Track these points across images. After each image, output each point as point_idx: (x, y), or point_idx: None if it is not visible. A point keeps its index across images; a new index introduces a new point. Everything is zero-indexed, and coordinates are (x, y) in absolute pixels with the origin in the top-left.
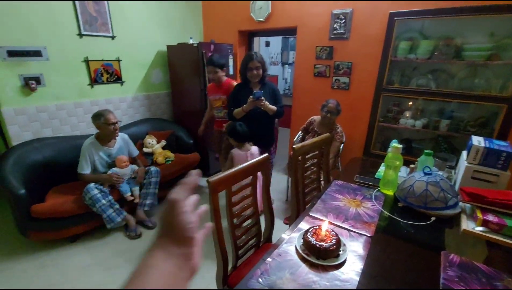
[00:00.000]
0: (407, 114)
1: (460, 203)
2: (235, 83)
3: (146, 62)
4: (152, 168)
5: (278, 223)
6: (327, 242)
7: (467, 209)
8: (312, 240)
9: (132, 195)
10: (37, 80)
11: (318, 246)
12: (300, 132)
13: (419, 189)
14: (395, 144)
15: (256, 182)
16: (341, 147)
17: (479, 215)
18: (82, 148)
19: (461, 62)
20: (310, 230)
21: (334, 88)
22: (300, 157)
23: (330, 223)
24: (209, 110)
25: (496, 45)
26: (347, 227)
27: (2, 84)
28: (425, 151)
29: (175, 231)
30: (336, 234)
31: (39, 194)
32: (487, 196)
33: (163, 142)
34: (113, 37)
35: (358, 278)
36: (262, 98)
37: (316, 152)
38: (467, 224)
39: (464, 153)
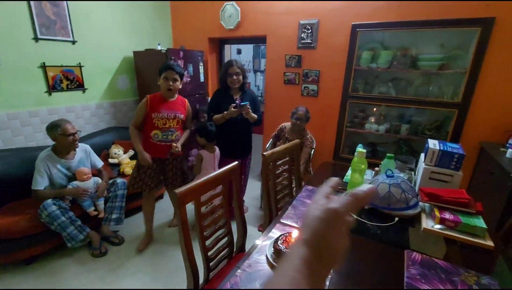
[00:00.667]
0: (372, 119)
1: (420, 203)
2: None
3: (111, 68)
4: (119, 180)
5: (253, 230)
6: None
7: (427, 209)
8: (282, 247)
9: (96, 209)
10: None
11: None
12: (271, 139)
13: (382, 191)
14: (360, 149)
15: (226, 191)
16: (311, 153)
17: (437, 213)
18: (36, 162)
19: (417, 71)
20: (280, 237)
21: (304, 95)
22: (271, 163)
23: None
24: (136, 133)
25: (446, 56)
26: None
27: None
28: (387, 154)
29: (331, 256)
30: None
31: None
32: (442, 195)
33: (131, 152)
34: (73, 42)
35: (327, 283)
36: (248, 106)
37: (287, 158)
38: (426, 223)
39: (422, 156)
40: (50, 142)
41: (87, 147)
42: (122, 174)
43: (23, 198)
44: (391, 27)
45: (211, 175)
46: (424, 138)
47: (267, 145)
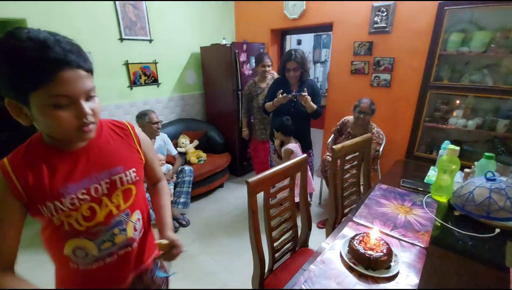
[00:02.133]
0: (458, 113)
1: None
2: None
3: (181, 64)
4: (186, 167)
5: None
6: (376, 252)
7: None
8: (360, 248)
9: None
10: None
11: (368, 255)
12: (332, 134)
13: (480, 197)
14: (451, 145)
15: (294, 184)
16: (380, 149)
17: None
18: None
19: None
20: (357, 237)
21: (374, 85)
22: (339, 158)
23: (380, 231)
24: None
25: None
26: (397, 235)
27: None
28: (485, 154)
29: None
30: (387, 243)
31: None
32: None
33: (196, 142)
34: (150, 41)
35: None
36: (305, 95)
37: (357, 154)
38: None
39: None
40: None
41: (165, 136)
42: (188, 162)
43: None
44: (491, 2)
45: (279, 167)
46: None
47: (328, 141)
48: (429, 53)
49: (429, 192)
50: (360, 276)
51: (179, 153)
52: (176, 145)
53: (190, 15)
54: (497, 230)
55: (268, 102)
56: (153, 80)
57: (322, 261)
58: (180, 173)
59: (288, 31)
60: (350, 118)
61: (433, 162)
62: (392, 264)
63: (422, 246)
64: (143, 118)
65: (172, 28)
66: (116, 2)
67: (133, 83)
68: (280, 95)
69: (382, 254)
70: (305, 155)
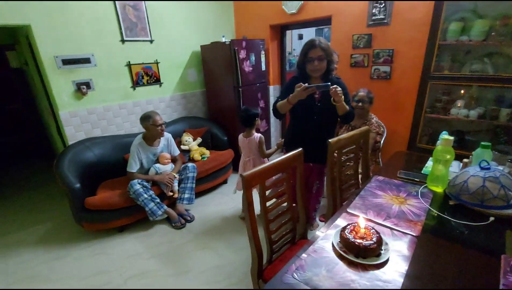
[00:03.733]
0: (459, 103)
1: None
2: None
3: (182, 63)
4: (190, 164)
5: (316, 220)
6: (367, 240)
7: None
8: (350, 237)
9: (171, 190)
10: (87, 85)
11: (357, 243)
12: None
13: (474, 186)
14: (445, 135)
15: (290, 177)
16: (381, 141)
17: None
18: (131, 148)
19: None
20: (348, 227)
21: (374, 78)
22: (336, 151)
23: (369, 220)
24: None
25: None
26: (390, 225)
27: (59, 90)
28: (482, 143)
29: None
30: (377, 232)
31: (91, 188)
32: None
33: (199, 140)
34: (151, 41)
35: (402, 280)
36: (337, 89)
37: (354, 146)
38: None
39: None
40: (136, 130)
41: (169, 136)
42: (192, 160)
43: (116, 176)
44: None
45: (274, 161)
46: None
47: None
48: (428, 43)
49: (425, 183)
50: (350, 264)
51: (183, 151)
52: (180, 143)
53: (190, 15)
54: (492, 218)
55: (282, 101)
56: (155, 80)
57: (314, 250)
58: (184, 170)
59: (287, 26)
60: None
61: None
62: (382, 252)
63: (414, 235)
64: (147, 120)
65: (172, 28)
66: (116, 3)
67: (136, 84)
68: (298, 88)
69: (372, 242)
70: (300, 149)
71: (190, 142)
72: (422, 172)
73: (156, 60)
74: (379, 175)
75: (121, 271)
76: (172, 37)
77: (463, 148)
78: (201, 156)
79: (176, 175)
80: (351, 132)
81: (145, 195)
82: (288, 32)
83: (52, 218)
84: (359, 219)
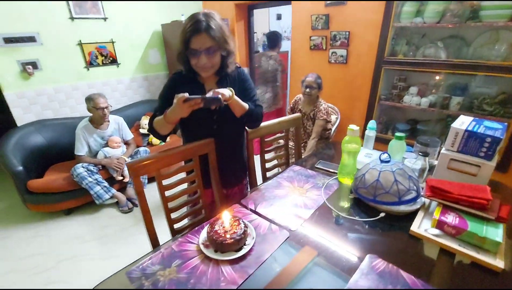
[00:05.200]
0: (412, 90)
1: (423, 199)
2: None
3: (142, 43)
4: (141, 149)
5: None
6: (231, 235)
7: (431, 207)
8: (212, 231)
9: (122, 174)
10: (34, 65)
11: (214, 238)
12: (286, 113)
13: (370, 179)
14: (351, 126)
15: (198, 165)
16: (332, 129)
17: (436, 214)
18: (76, 131)
19: (478, 24)
20: (220, 220)
21: (331, 62)
22: (255, 139)
23: (255, 212)
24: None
25: None
26: (270, 218)
27: (2, 70)
28: (396, 134)
29: None
30: (246, 226)
31: (39, 171)
32: (452, 191)
33: None
34: (105, 19)
35: (242, 279)
36: (222, 92)
37: (283, 134)
38: (419, 224)
39: None
40: None
41: (120, 119)
42: (150, 144)
43: (69, 159)
44: None
45: (171, 150)
46: (482, 116)
47: None
48: (382, 25)
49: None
50: (206, 258)
51: (142, 134)
52: (139, 127)
53: None
54: (382, 214)
55: (158, 117)
56: (112, 60)
57: (179, 243)
58: (135, 154)
59: (254, 6)
60: (302, 95)
61: (387, 142)
62: (244, 246)
63: (292, 229)
64: (89, 102)
65: (129, 4)
66: None
67: (90, 64)
68: (176, 99)
69: (229, 237)
70: (209, 139)
71: None
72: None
73: (112, 39)
74: (298, 165)
75: (58, 253)
76: (129, 15)
77: (414, 138)
78: (159, 140)
79: (127, 159)
80: (278, 119)
81: (89, 179)
82: (264, 11)
83: (3, 198)
84: (223, 213)
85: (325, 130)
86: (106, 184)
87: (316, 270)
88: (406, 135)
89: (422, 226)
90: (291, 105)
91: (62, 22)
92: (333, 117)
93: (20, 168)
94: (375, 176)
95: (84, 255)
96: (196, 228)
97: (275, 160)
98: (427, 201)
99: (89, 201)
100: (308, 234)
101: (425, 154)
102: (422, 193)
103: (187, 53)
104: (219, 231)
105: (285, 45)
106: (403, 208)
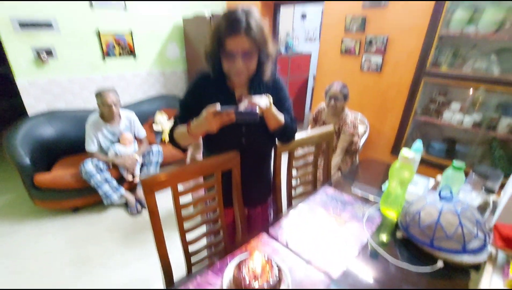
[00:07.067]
0: (454, 106)
1: (490, 248)
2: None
3: (162, 36)
4: (154, 148)
5: None
6: (264, 282)
7: (499, 259)
8: (240, 274)
9: (132, 174)
10: (49, 53)
11: (242, 286)
12: (309, 124)
13: (427, 218)
14: (405, 153)
15: (219, 181)
16: (360, 142)
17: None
18: (86, 126)
19: None
20: (247, 261)
21: (364, 69)
22: (282, 153)
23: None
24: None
25: None
26: (306, 258)
27: (16, 55)
28: (454, 163)
29: None
30: (280, 270)
31: (47, 164)
32: None
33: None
34: (125, 8)
35: None
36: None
37: (313, 150)
38: (490, 281)
39: None
40: None
41: (133, 115)
42: (163, 142)
43: (79, 153)
44: None
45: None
46: None
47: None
48: (427, 32)
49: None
50: None
51: (155, 132)
52: (154, 122)
53: None
54: (440, 264)
55: (180, 127)
56: (129, 51)
57: (198, 284)
58: (148, 154)
59: (282, 3)
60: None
61: (421, 162)
62: None
63: (333, 277)
64: (97, 98)
65: None
66: None
67: (106, 54)
68: (206, 112)
69: (258, 286)
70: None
71: (163, 122)
72: (383, 189)
73: (130, 30)
74: (330, 187)
75: (63, 254)
76: (150, 6)
77: (450, 160)
78: None
79: (139, 158)
80: (310, 132)
81: (98, 177)
82: (288, 10)
83: (10, 189)
84: (255, 253)
85: (351, 144)
86: (115, 182)
87: None
88: (462, 167)
89: (493, 283)
90: (314, 115)
91: (81, 9)
92: (361, 129)
93: (27, 161)
94: (435, 217)
95: (91, 260)
96: (218, 264)
97: (302, 177)
98: (493, 250)
99: (98, 199)
100: (353, 283)
101: (491, 191)
102: (489, 241)
103: (221, 55)
104: (247, 277)
105: (307, 47)
106: (467, 258)
